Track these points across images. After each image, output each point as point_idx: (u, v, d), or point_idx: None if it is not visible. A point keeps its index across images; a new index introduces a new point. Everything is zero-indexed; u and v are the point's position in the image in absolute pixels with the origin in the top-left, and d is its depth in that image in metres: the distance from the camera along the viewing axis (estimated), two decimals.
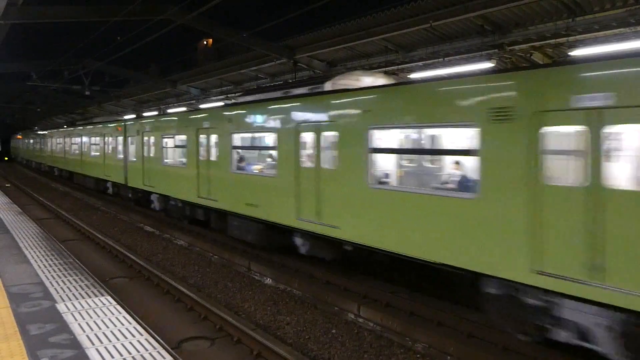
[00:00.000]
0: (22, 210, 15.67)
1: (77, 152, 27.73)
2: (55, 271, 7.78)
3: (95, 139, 24.08)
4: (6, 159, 68.20)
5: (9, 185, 32.31)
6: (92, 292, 6.75)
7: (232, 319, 8.01)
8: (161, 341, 6.66)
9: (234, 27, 17.58)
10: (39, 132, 43.66)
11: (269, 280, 10.71)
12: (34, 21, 15.02)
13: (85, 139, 26.02)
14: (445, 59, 13.77)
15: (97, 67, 24.63)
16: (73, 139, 28.76)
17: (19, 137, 61.78)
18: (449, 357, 7.00)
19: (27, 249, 9.31)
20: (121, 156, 20.10)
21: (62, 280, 7.25)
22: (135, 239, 15.24)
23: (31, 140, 48.66)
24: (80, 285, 7.03)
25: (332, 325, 8.25)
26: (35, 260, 8.43)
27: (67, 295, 6.55)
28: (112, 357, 4.69)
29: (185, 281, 10.81)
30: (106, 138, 22.21)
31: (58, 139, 33.45)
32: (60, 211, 20.10)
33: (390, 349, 7.36)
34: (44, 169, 40.75)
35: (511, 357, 6.72)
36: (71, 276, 7.52)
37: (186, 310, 9.01)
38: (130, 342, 5.04)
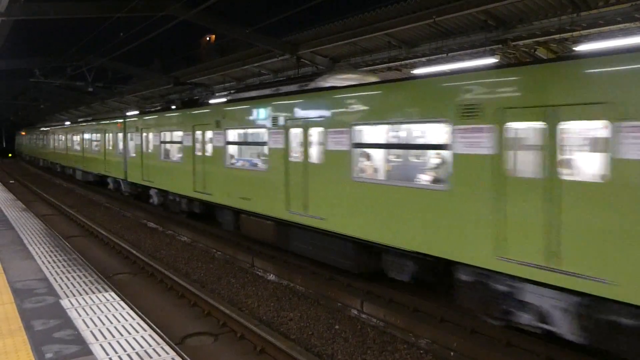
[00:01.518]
0: (26, 206, 15.72)
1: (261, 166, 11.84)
2: (59, 267, 7.80)
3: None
4: (10, 155, 68.31)
5: (13, 181, 32.42)
6: (96, 288, 6.77)
7: (236, 315, 8.03)
8: (165, 337, 6.67)
9: (236, 23, 17.56)
10: (109, 122, 23.04)
11: (272, 276, 10.72)
12: (36, 17, 15.02)
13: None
14: (449, 54, 13.72)
15: (100, 64, 24.65)
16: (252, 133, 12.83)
17: (29, 133, 46.55)
18: (452, 353, 7.01)
19: (32, 245, 9.34)
20: None
21: (66, 276, 7.27)
22: (138, 235, 15.28)
23: (86, 135, 26.24)
24: (84, 281, 7.05)
25: (336, 321, 8.25)
26: (39, 256, 8.46)
27: (71, 291, 6.57)
28: (116, 352, 4.70)
29: (188, 277, 10.84)
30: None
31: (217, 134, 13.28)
32: (64, 207, 20.16)
33: (394, 345, 7.37)
34: (129, 191, 20.87)
35: (514, 353, 6.71)
36: (75, 272, 7.54)
37: (190, 306, 9.03)
38: (134, 338, 5.05)
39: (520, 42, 12.09)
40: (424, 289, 8.98)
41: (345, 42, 15.55)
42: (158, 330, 6.87)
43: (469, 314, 7.48)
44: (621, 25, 10.54)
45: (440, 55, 13.93)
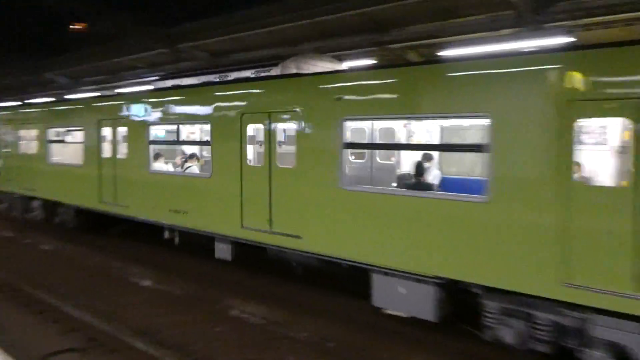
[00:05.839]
0: None
1: None
2: None
3: None
4: None
5: None
6: None
7: (105, 327, 7.38)
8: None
9: (112, 12, 16.39)
10: None
11: (147, 282, 10.10)
12: None
13: None
14: (329, 54, 14.07)
15: None
16: None
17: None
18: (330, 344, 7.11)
19: None
20: None
21: None
22: None
23: None
24: None
25: (216, 323, 7.98)
26: None
27: None
28: None
29: (51, 290, 9.74)
30: None
31: None
32: None
33: (278, 341, 7.29)
34: None
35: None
36: None
37: (52, 322, 8.10)
38: None
39: (395, 45, 12.80)
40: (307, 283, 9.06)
41: (226, 37, 15.26)
42: (10, 353, 6.10)
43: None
44: (482, 34, 11.60)
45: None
